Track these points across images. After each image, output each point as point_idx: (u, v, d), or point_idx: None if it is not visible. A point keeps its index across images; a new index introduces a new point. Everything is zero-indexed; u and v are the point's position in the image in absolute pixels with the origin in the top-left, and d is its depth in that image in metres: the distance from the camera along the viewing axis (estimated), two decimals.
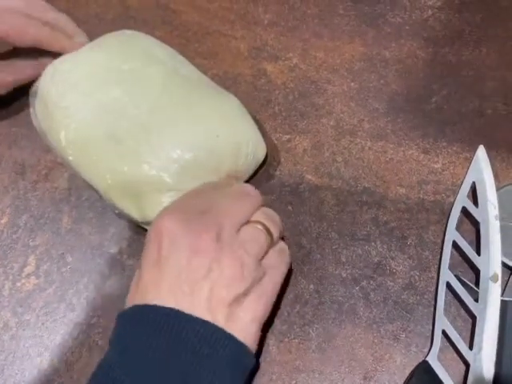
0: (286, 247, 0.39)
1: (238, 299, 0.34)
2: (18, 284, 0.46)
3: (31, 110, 0.48)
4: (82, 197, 0.49)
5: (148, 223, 0.42)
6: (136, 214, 0.42)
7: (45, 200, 0.50)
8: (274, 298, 0.36)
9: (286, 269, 0.38)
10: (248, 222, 0.37)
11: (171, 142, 0.41)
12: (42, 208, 0.49)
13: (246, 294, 0.34)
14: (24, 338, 0.44)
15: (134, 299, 0.35)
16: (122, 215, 0.45)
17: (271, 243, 0.37)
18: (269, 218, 0.38)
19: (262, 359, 0.40)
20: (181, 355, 0.32)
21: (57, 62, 0.46)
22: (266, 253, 0.37)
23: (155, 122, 0.42)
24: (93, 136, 0.43)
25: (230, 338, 0.33)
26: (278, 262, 0.37)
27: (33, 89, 0.47)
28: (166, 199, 0.41)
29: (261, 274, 0.35)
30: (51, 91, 0.44)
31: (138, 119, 0.42)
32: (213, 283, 0.33)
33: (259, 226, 0.37)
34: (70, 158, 0.44)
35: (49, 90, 0.45)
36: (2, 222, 0.49)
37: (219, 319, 0.33)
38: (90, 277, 0.45)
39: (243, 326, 0.34)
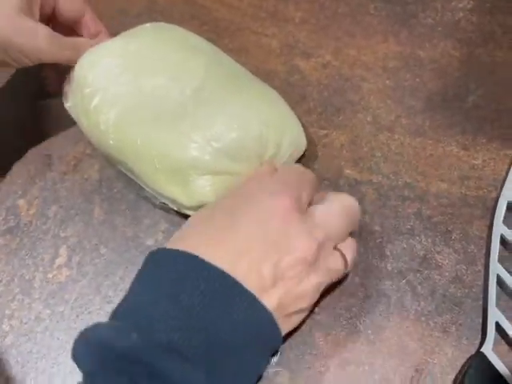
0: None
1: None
2: (50, 275, 0.45)
3: (63, 97, 0.47)
4: (114, 188, 0.48)
5: (193, 208, 0.42)
6: (183, 199, 0.41)
7: (74, 191, 0.48)
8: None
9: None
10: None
11: (219, 122, 0.40)
12: (71, 199, 0.48)
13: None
14: (58, 330, 0.42)
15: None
16: (163, 205, 0.44)
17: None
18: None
19: (308, 352, 0.39)
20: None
21: (93, 50, 0.45)
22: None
23: (202, 105, 0.41)
24: (135, 120, 0.42)
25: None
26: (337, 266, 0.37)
27: (67, 76, 0.46)
28: (209, 183, 0.40)
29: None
30: (88, 77, 0.44)
31: (184, 103, 0.41)
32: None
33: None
34: (111, 141, 0.43)
35: (86, 75, 0.44)
36: (30, 212, 0.48)
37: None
38: (126, 269, 0.44)
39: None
